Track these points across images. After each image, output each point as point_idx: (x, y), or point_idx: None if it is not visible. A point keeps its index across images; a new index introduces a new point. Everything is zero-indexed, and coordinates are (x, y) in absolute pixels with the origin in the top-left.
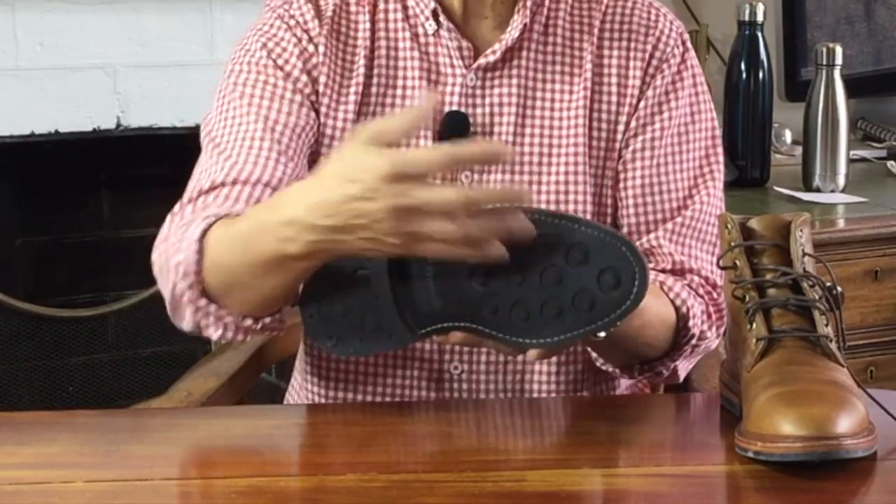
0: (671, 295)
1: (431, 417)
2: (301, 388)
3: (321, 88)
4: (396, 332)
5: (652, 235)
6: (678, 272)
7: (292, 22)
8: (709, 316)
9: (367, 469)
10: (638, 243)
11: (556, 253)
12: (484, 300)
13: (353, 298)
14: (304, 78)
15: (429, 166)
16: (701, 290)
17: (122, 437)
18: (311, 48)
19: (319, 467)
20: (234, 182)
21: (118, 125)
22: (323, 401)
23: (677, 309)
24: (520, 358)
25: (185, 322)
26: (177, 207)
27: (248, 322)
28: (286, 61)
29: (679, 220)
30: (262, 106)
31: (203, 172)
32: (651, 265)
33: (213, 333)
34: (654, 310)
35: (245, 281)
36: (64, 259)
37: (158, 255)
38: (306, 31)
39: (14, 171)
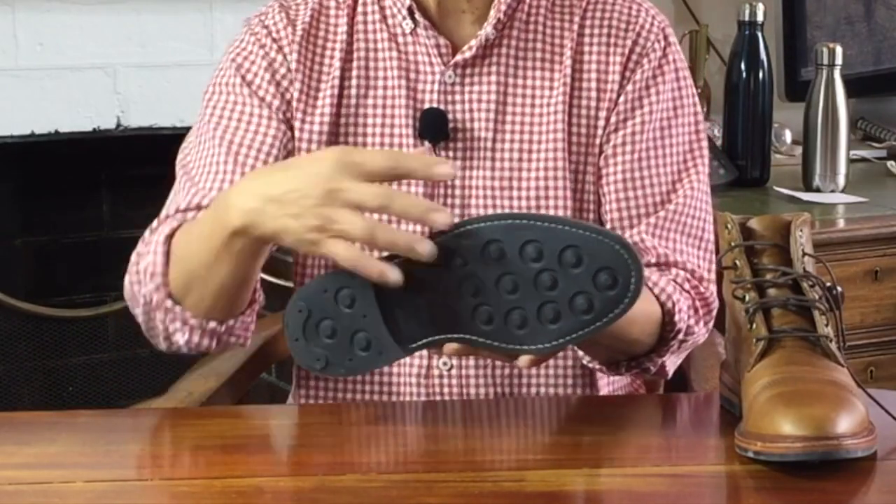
0: (656, 291)
1: (431, 418)
2: (296, 390)
3: (296, 94)
4: (387, 349)
5: (635, 230)
6: (663, 266)
7: (264, 32)
8: (696, 310)
9: (367, 469)
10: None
11: (548, 257)
12: (476, 310)
13: (340, 319)
14: (272, 89)
15: (374, 165)
16: (687, 285)
17: (122, 437)
18: (279, 58)
19: (319, 467)
20: (198, 207)
21: (118, 125)
22: (314, 401)
23: (662, 304)
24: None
25: (158, 332)
26: (147, 232)
27: (213, 325)
28: (255, 74)
29: (662, 213)
30: (227, 129)
31: (172, 199)
32: None
33: (181, 339)
34: (639, 307)
35: (196, 271)
36: (64, 259)
37: (128, 279)
38: (277, 41)
39: (14, 171)
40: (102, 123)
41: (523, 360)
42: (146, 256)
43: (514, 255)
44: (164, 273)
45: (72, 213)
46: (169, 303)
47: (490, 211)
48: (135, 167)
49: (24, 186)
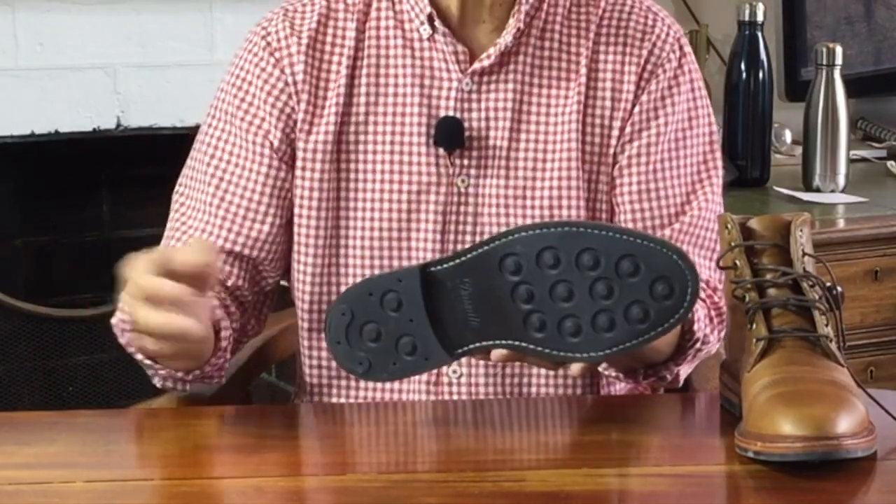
0: None
1: (431, 417)
2: (301, 394)
3: (303, 106)
4: (434, 353)
5: None
6: None
7: (262, 45)
8: (710, 320)
9: (367, 469)
10: None
11: (605, 265)
12: (529, 317)
13: (386, 322)
14: (268, 108)
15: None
16: (702, 294)
17: (122, 437)
18: (276, 73)
19: (320, 467)
20: None
21: (118, 125)
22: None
23: None
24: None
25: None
26: None
27: (181, 374)
28: (255, 96)
29: (677, 226)
30: (220, 164)
31: (167, 235)
32: None
33: (158, 383)
34: None
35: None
36: (64, 259)
37: None
38: (276, 54)
39: (14, 171)
40: (102, 123)
41: (575, 367)
42: (116, 315)
43: (570, 262)
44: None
45: (72, 213)
46: (139, 356)
47: (504, 221)
48: (135, 167)
49: (24, 186)
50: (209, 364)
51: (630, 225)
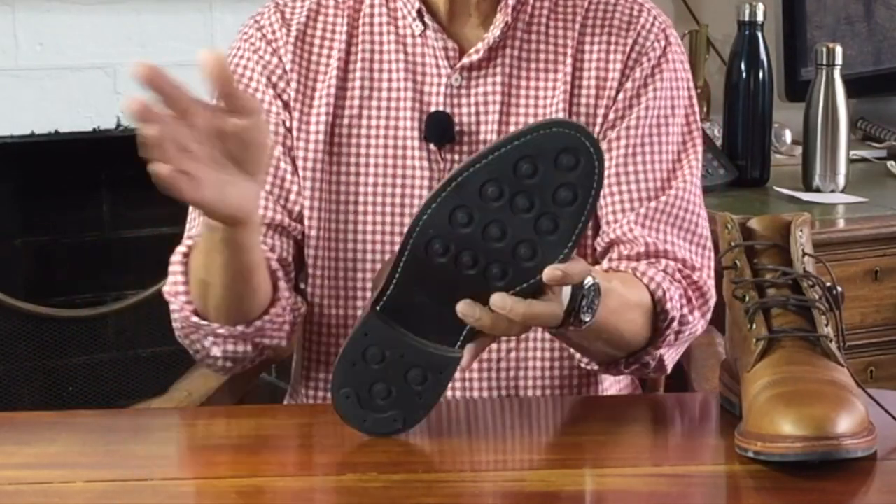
0: (645, 280)
1: (431, 418)
2: (298, 397)
3: (292, 94)
4: (443, 364)
5: (623, 220)
6: (651, 255)
7: (258, 35)
8: (689, 300)
9: (367, 469)
10: (611, 231)
11: (509, 184)
12: (486, 275)
13: (384, 374)
14: (271, 90)
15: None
16: (678, 275)
17: (122, 437)
18: (274, 60)
19: (319, 467)
20: None
21: (118, 125)
22: (314, 402)
23: (652, 293)
24: (513, 355)
25: (200, 354)
26: (181, 248)
27: (241, 328)
28: (254, 80)
29: (652, 205)
30: None
31: (191, 222)
32: (625, 251)
33: (218, 351)
34: (627, 294)
35: (204, 278)
36: (64, 259)
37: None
38: (271, 43)
39: (14, 171)
40: (102, 123)
41: (548, 275)
42: (167, 281)
43: (482, 205)
44: (185, 291)
45: (72, 213)
46: (195, 319)
47: None
48: (135, 167)
49: (24, 186)
50: (270, 315)
51: (609, 208)
